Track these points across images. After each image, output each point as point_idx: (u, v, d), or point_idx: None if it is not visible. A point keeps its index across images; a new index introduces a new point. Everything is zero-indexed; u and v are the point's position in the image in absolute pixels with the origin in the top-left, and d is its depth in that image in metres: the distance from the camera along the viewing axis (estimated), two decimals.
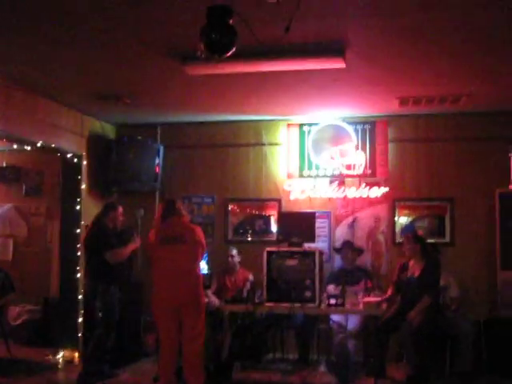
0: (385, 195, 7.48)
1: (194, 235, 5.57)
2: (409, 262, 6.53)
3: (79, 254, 7.28)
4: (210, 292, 6.64)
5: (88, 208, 7.51)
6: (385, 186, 7.46)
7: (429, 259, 6.41)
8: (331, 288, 6.63)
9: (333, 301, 6.06)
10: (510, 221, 6.85)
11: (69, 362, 7.12)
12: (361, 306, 6.05)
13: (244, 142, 7.96)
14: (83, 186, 7.49)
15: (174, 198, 6.23)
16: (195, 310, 5.47)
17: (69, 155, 7.35)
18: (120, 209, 6.62)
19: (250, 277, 7.14)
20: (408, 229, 7.25)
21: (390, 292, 6.60)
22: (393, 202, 7.54)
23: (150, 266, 5.69)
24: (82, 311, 7.21)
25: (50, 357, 7.20)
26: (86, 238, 6.59)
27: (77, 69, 5.80)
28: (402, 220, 7.56)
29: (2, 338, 7.25)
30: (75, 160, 7.44)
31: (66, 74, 5.96)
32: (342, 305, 6.03)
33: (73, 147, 7.37)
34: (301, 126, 7.74)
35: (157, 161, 7.80)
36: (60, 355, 7.17)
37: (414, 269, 6.44)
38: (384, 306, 6.20)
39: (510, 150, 6.95)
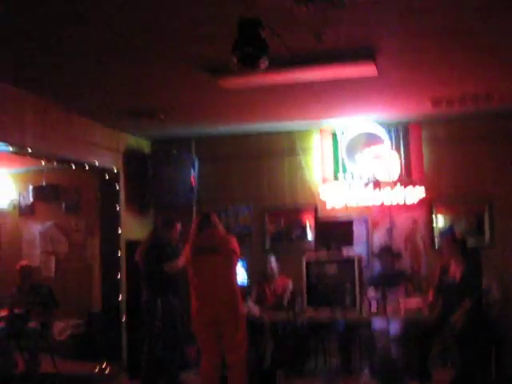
0: (421, 199, 7.42)
1: (229, 245, 5.63)
2: (449, 265, 6.48)
3: (120, 268, 7.40)
4: (250, 301, 6.69)
5: (126, 223, 7.65)
6: (421, 189, 7.39)
7: (469, 261, 6.35)
8: (371, 292, 6.59)
9: (374, 306, 6.04)
10: None
11: (114, 375, 7.20)
12: (402, 311, 6.01)
13: (278, 152, 8.01)
14: (121, 202, 7.60)
15: (208, 211, 6.28)
16: (234, 320, 5.50)
17: (106, 171, 7.48)
18: (177, 226, 6.66)
19: (290, 284, 7.15)
20: (447, 232, 7.21)
21: (431, 296, 6.54)
22: (430, 205, 7.48)
23: (188, 278, 5.74)
24: (126, 323, 7.33)
25: (96, 370, 7.30)
26: (143, 250, 6.63)
27: (111, 86, 5.89)
28: (440, 222, 7.50)
29: (48, 352, 7.37)
30: (112, 176, 7.57)
31: (101, 91, 6.06)
32: (384, 310, 6.00)
33: (109, 163, 7.49)
34: (334, 131, 7.74)
35: (192, 173, 7.88)
36: (105, 368, 7.27)
37: (455, 272, 6.38)
38: (426, 312, 6.14)
39: None
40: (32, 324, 7.14)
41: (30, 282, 7.61)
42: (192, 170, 7.87)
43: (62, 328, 8.38)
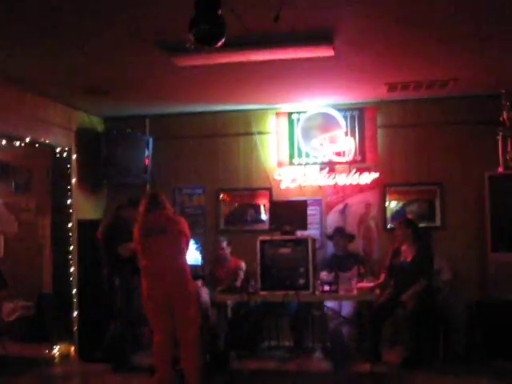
0: (375, 181, 7.53)
1: (177, 226, 5.59)
2: (401, 247, 6.60)
3: (71, 248, 7.30)
4: (200, 284, 6.69)
5: (78, 202, 7.53)
6: (375, 172, 7.51)
7: (421, 243, 6.48)
8: (324, 275, 6.62)
9: (327, 287, 6.10)
10: (500, 204, 6.89)
11: (65, 356, 7.11)
12: (354, 292, 6.08)
13: (233, 132, 7.96)
14: (73, 181, 7.47)
15: (156, 191, 6.22)
16: (184, 300, 5.49)
17: (58, 150, 7.34)
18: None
19: (242, 265, 7.17)
20: (399, 214, 7.37)
21: (382, 277, 6.66)
22: (383, 188, 7.58)
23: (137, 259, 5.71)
24: (77, 304, 7.24)
25: (46, 352, 7.19)
26: (102, 230, 6.60)
27: (63, 63, 5.75)
28: (393, 205, 7.61)
29: None
30: (64, 154, 7.43)
31: (53, 68, 5.90)
32: (336, 291, 6.07)
33: (61, 141, 7.35)
34: (290, 114, 7.74)
35: (146, 153, 7.80)
36: (56, 350, 7.18)
37: (407, 253, 6.50)
38: (377, 291, 6.24)
39: (498, 133, 6.99)
40: None
41: None
42: (146, 150, 7.78)
43: (10, 309, 8.20)
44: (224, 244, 7.29)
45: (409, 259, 6.48)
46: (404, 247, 6.59)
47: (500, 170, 6.94)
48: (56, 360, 7.02)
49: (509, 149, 6.90)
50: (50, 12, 4.46)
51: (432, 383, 5.68)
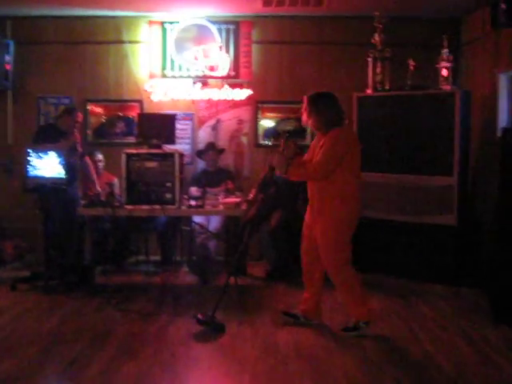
0: (248, 97, 7.47)
1: None
2: None
3: None
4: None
5: None
6: (248, 89, 7.45)
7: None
8: (194, 190, 6.61)
9: (193, 202, 6.10)
10: (367, 124, 7.01)
11: None
12: (220, 207, 6.14)
13: (103, 39, 7.53)
14: None
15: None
16: None
17: None
18: (78, 114, 6.51)
19: (115, 181, 7.02)
20: (271, 131, 7.42)
21: (253, 193, 6.74)
22: (256, 105, 7.55)
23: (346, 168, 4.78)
24: None
25: None
26: (34, 136, 6.49)
27: None
28: (265, 122, 7.62)
29: None
30: None
31: None
32: (202, 206, 6.09)
33: None
34: (163, 23, 7.43)
35: (7, 58, 7.22)
36: None
37: None
38: (243, 206, 6.31)
39: (369, 55, 7.06)
40: None
41: None
42: (6, 55, 7.20)
43: None
44: (99, 156, 7.11)
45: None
46: None
47: (368, 91, 7.04)
48: None
49: (378, 71, 7.00)
50: None
51: (291, 294, 5.88)
